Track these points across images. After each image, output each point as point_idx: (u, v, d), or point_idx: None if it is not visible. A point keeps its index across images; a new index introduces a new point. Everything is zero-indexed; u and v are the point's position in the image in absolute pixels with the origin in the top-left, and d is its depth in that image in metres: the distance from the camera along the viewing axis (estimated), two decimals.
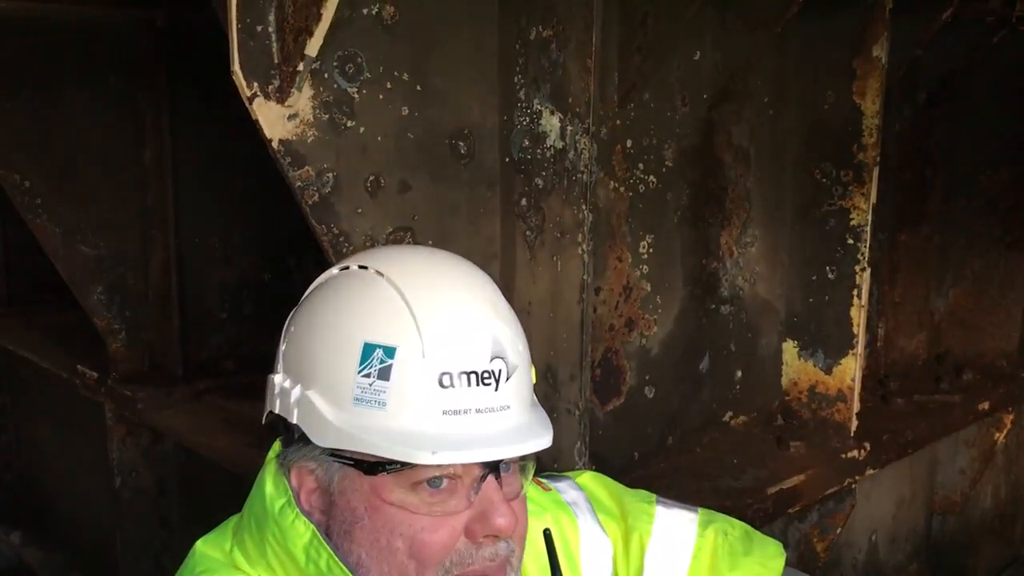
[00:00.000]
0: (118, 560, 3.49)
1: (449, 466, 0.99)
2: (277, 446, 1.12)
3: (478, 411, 1.00)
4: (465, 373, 1.00)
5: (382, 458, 0.98)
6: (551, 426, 1.08)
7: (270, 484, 1.07)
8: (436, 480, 1.00)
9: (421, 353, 0.99)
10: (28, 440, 4.51)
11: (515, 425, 1.03)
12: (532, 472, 1.12)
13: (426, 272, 1.08)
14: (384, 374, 0.99)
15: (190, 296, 3.40)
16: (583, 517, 1.53)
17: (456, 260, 1.14)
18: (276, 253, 3.54)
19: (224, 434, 2.96)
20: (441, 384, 0.99)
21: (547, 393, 2.00)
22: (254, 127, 1.55)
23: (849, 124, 2.40)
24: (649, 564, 1.52)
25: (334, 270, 1.13)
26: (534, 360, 1.98)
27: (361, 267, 1.08)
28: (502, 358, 1.03)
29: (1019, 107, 3.24)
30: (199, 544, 1.15)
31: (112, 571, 3.53)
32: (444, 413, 0.99)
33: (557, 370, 1.96)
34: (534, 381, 1.12)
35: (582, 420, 1.96)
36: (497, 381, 1.02)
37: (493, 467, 1.02)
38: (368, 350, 1.00)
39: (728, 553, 1.52)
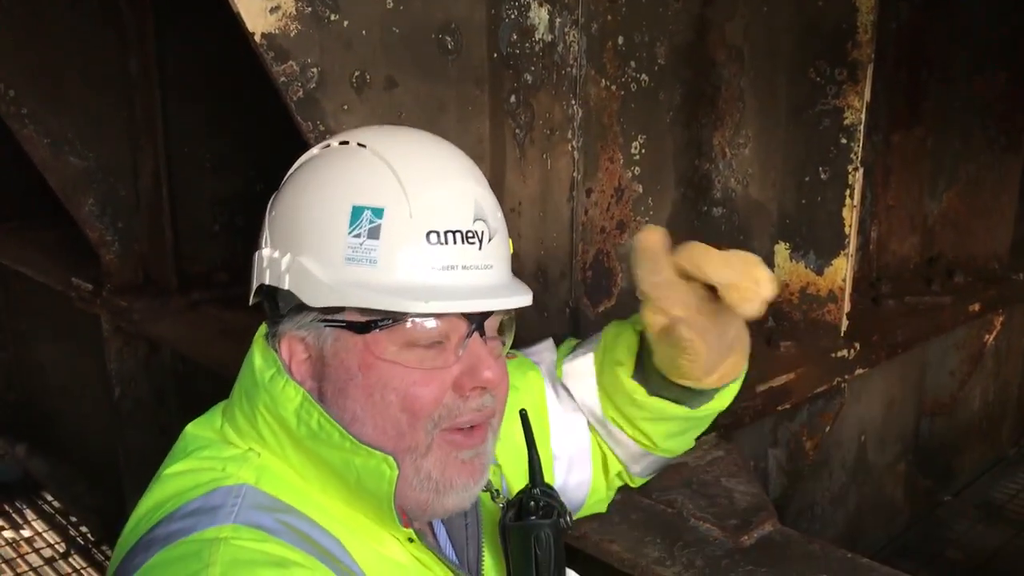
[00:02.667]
0: (121, 469, 3.56)
1: (438, 323, 1.04)
2: (263, 328, 1.14)
3: (464, 267, 1.05)
4: (451, 232, 1.04)
5: (374, 315, 1.03)
6: (530, 291, 1.12)
7: (259, 357, 1.10)
8: (426, 338, 1.04)
9: (408, 213, 1.03)
10: (27, 354, 4.55)
11: (499, 282, 1.09)
12: (512, 337, 1.16)
13: (407, 142, 1.12)
14: (374, 233, 1.02)
15: (182, 208, 3.40)
16: (550, 375, 1.52)
17: (433, 136, 1.17)
18: (268, 165, 3.51)
19: (220, 342, 2.99)
20: (428, 241, 1.03)
21: (538, 292, 2.00)
22: (241, 31, 1.52)
23: (844, 21, 2.35)
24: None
25: (315, 150, 1.15)
26: (525, 259, 2.00)
27: (343, 143, 1.11)
28: (484, 220, 1.07)
29: (1016, 10, 3.18)
30: (189, 427, 1.18)
31: (116, 480, 3.61)
32: (432, 268, 1.03)
33: (547, 268, 1.97)
34: (512, 251, 1.16)
35: (572, 318, 1.98)
36: (480, 241, 1.06)
37: (479, 325, 1.07)
38: (357, 212, 1.03)
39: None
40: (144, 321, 3.20)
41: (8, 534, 3.98)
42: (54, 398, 4.37)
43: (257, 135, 3.43)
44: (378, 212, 1.03)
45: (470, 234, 1.05)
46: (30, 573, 3.68)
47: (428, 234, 1.03)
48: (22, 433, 4.52)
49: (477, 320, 1.07)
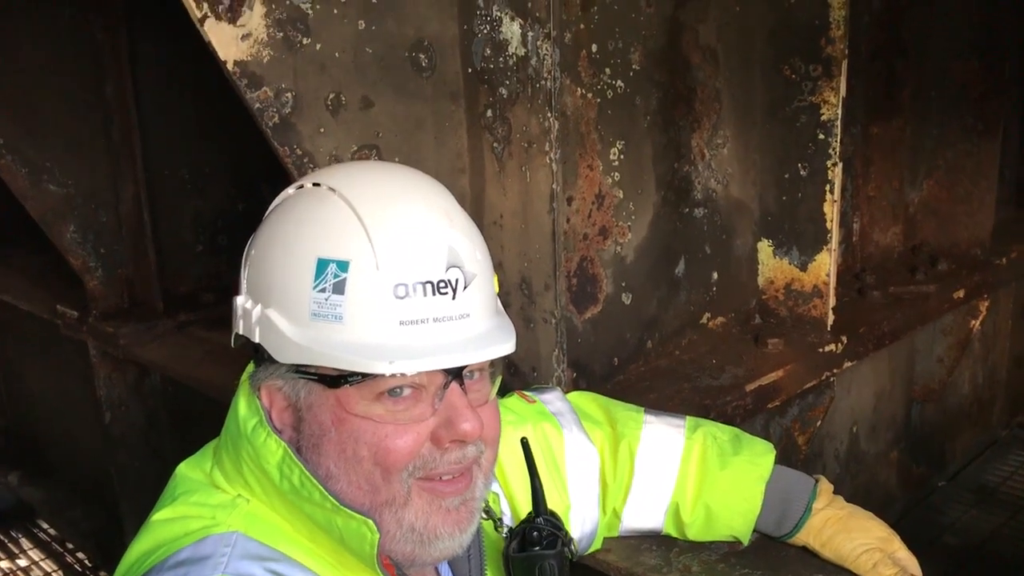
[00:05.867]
0: (116, 493, 3.55)
1: (411, 375, 1.01)
2: (251, 367, 1.13)
3: (436, 320, 1.01)
4: (420, 283, 1.00)
5: (343, 371, 1.00)
6: (515, 333, 1.09)
7: (243, 405, 1.09)
8: (397, 390, 1.02)
9: (375, 266, 0.99)
10: (16, 383, 4.53)
11: (475, 333, 1.04)
12: (499, 380, 1.13)
13: (379, 185, 1.07)
14: (339, 288, 0.99)
15: (164, 230, 3.39)
16: (568, 426, 1.57)
17: (411, 172, 1.14)
18: (249, 182, 3.51)
19: (208, 364, 2.98)
20: (396, 295, 0.99)
21: (523, 304, 2.01)
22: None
23: (816, 17, 2.36)
24: (640, 468, 1.56)
25: (290, 190, 1.13)
26: (508, 272, 2.00)
27: (315, 184, 1.08)
28: (459, 267, 1.03)
29: None
30: (180, 467, 1.17)
31: (111, 504, 3.59)
32: (401, 323, 1.00)
33: (531, 280, 1.97)
34: (497, 289, 1.12)
35: (559, 328, 1.98)
36: (454, 290, 1.02)
37: (456, 375, 1.04)
38: (322, 265, 1.00)
39: (718, 454, 1.56)
40: (131, 346, 3.19)
41: (5, 564, 3.96)
42: (45, 425, 4.35)
43: (237, 152, 3.42)
44: (343, 265, 1.00)
45: (442, 284, 1.01)
46: None
47: (396, 287, 0.99)
48: (14, 461, 4.49)
49: (454, 372, 1.04)
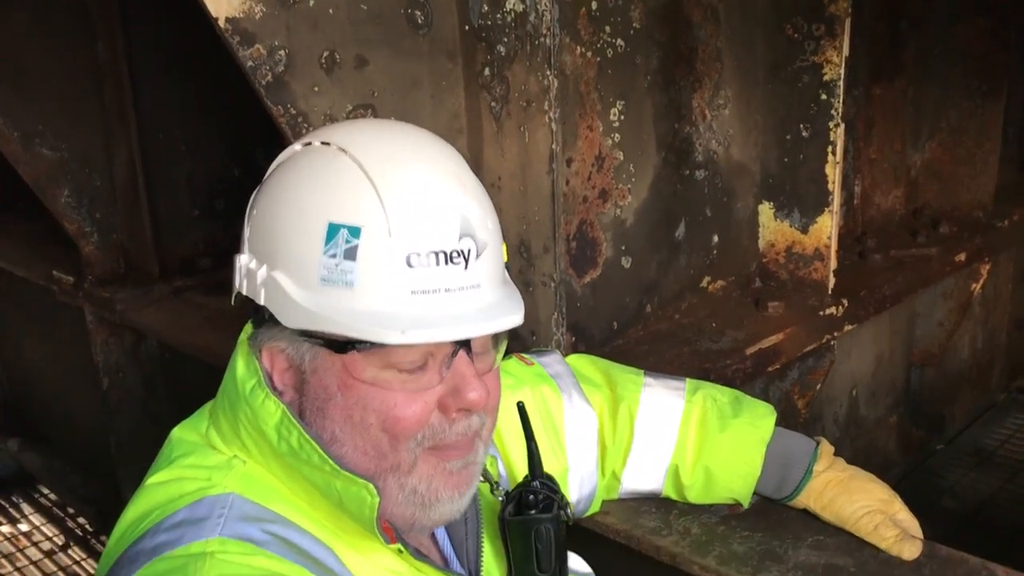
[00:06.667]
0: (114, 459, 3.55)
1: (420, 345, 0.98)
2: (249, 327, 1.10)
3: (447, 290, 0.98)
4: (433, 252, 0.98)
5: (352, 337, 0.98)
6: (523, 303, 1.06)
7: (241, 365, 1.07)
8: (408, 361, 1.00)
9: (387, 232, 0.97)
10: (14, 350, 4.52)
11: (486, 303, 1.02)
12: (504, 348, 1.11)
13: (391, 148, 1.04)
14: (350, 254, 0.97)
15: (160, 194, 3.36)
16: (567, 389, 1.55)
17: (422, 135, 1.10)
18: (244, 147, 3.47)
19: (206, 330, 2.97)
20: (409, 264, 0.97)
21: (522, 267, 1.99)
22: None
23: None
24: (639, 431, 1.55)
25: (296, 146, 1.09)
26: (507, 235, 1.97)
27: (324, 143, 1.04)
28: (471, 236, 1.00)
29: None
30: (175, 430, 1.15)
31: (110, 470, 3.60)
32: (413, 293, 0.97)
33: (530, 243, 1.95)
34: (505, 258, 1.10)
35: (558, 291, 1.96)
36: (466, 260, 1.00)
37: (464, 344, 1.02)
38: (333, 230, 0.97)
39: (718, 416, 1.55)
40: (128, 311, 3.17)
41: (6, 529, 3.98)
42: (43, 391, 4.35)
43: (232, 116, 3.38)
44: (355, 231, 0.97)
45: (455, 254, 0.99)
46: (30, 567, 3.68)
47: (408, 256, 0.97)
48: (14, 428, 4.49)
49: (462, 340, 1.01)
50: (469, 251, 1.00)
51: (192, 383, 3.29)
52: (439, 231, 0.99)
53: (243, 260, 1.06)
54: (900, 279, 2.86)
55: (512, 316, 1.03)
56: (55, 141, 3.13)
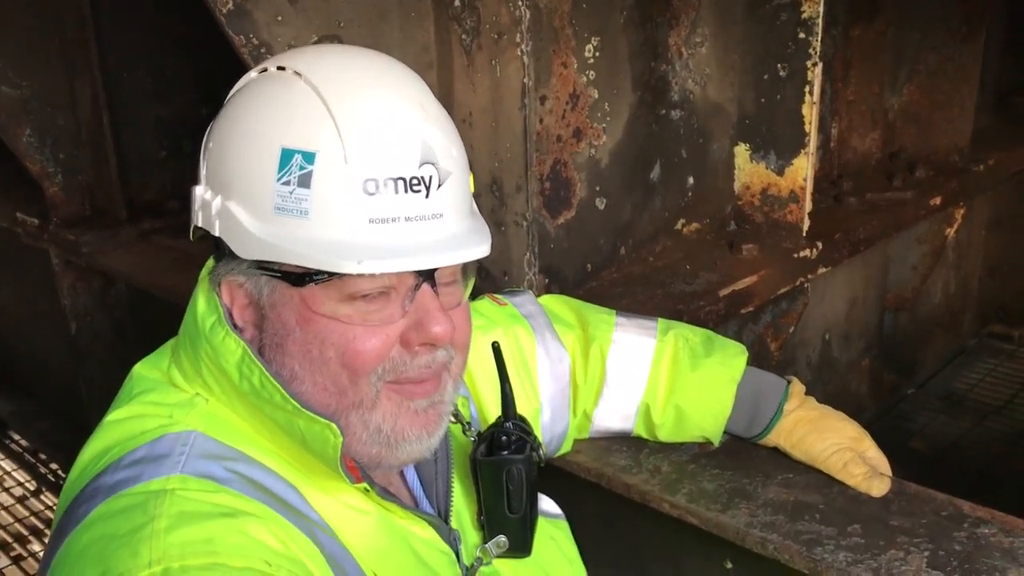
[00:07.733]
0: (85, 405, 3.52)
1: (380, 276, 0.96)
2: (210, 263, 1.07)
3: (407, 219, 0.95)
4: (392, 179, 0.94)
5: (309, 269, 0.95)
6: (490, 236, 1.03)
7: (202, 302, 1.04)
8: (366, 292, 0.97)
9: (343, 158, 0.93)
10: None
11: (449, 234, 0.99)
12: (472, 283, 1.09)
13: (349, 72, 1.00)
14: (304, 181, 0.93)
15: (125, 135, 3.29)
16: (539, 329, 1.54)
17: (383, 59, 1.06)
18: (212, 88, 3.39)
19: (175, 272, 2.93)
20: (366, 191, 0.93)
21: (494, 206, 1.96)
22: None
23: None
24: (611, 370, 1.54)
25: (252, 73, 1.05)
26: (479, 173, 1.94)
27: (279, 68, 1.01)
28: (432, 163, 0.97)
29: None
30: (136, 367, 1.13)
31: (81, 416, 3.57)
32: (371, 221, 0.94)
33: (502, 181, 1.92)
34: (472, 190, 1.07)
35: (530, 231, 1.94)
36: (427, 188, 0.96)
37: (428, 276, 0.99)
38: (286, 156, 0.94)
39: (689, 356, 1.54)
40: (94, 254, 3.12)
41: None
42: (12, 336, 4.29)
43: (199, 57, 3.30)
44: (309, 157, 0.93)
45: (415, 181, 0.95)
46: (2, 512, 3.66)
47: (365, 182, 0.93)
48: None
49: (426, 273, 0.99)
50: (431, 179, 0.97)
51: (162, 326, 3.22)
52: (398, 157, 0.95)
53: (199, 191, 1.03)
54: (875, 222, 2.85)
55: (477, 248, 1.00)
56: (15, 78, 3.04)
